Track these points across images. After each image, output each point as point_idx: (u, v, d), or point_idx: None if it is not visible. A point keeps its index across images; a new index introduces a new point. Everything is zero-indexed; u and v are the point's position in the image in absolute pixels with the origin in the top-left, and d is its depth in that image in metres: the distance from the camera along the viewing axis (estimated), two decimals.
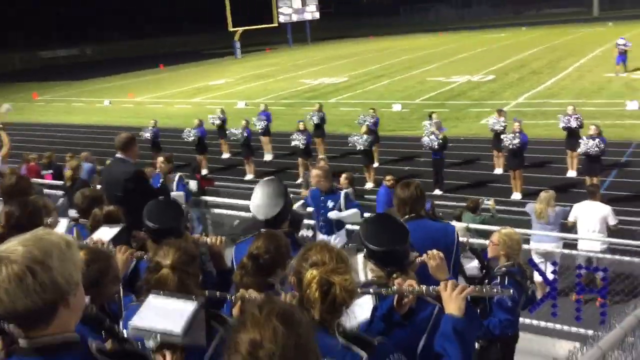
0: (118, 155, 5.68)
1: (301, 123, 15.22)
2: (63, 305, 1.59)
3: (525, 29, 55.77)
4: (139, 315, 1.97)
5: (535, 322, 6.01)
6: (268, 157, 17.52)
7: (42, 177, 11.73)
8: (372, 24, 78.38)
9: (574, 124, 13.36)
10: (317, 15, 63.53)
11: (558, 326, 6.07)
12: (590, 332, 5.99)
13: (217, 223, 9.01)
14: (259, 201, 3.54)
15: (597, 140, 11.45)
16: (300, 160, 14.98)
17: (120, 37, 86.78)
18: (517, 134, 12.43)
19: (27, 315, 1.54)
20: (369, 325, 2.34)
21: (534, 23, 61.20)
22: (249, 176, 15.82)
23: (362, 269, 2.62)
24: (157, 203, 3.39)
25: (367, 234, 2.65)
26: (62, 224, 3.78)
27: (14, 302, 1.52)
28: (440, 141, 12.92)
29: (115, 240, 3.32)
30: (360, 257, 2.63)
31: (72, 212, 7.79)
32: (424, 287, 2.33)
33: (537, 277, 6.44)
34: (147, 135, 15.93)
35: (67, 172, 9.45)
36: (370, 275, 2.62)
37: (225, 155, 18.12)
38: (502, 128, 13.75)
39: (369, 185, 14.03)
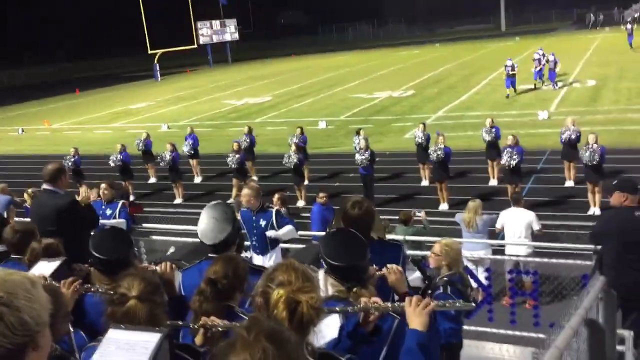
0: (46, 186, 5.41)
1: (235, 143, 15.17)
2: (32, 347, 1.52)
3: (438, 45, 58.02)
4: (100, 352, 1.89)
5: (472, 327, 6.20)
6: (197, 179, 17.28)
7: None
8: (291, 44, 79.21)
9: (490, 136, 14.02)
10: (236, 36, 63.65)
11: (495, 330, 6.29)
12: (524, 333, 6.29)
13: (150, 250, 8.77)
14: (206, 226, 3.48)
15: (516, 153, 12.01)
16: (234, 180, 14.85)
17: (31, 63, 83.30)
18: (441, 147, 12.86)
19: None
20: (337, 343, 2.36)
21: (446, 40, 63.80)
22: (178, 200, 15.51)
23: (323, 283, 2.64)
24: (104, 233, 3.28)
25: (327, 250, 2.67)
26: None
27: None
28: (369, 157, 13.18)
29: (56, 274, 3.17)
30: (320, 272, 2.64)
31: None
32: (389, 304, 2.38)
33: (472, 283, 6.66)
34: (68, 163, 15.31)
35: None
36: (330, 290, 2.64)
37: (152, 180, 17.69)
38: (425, 141, 14.20)
39: (301, 203, 14.08)
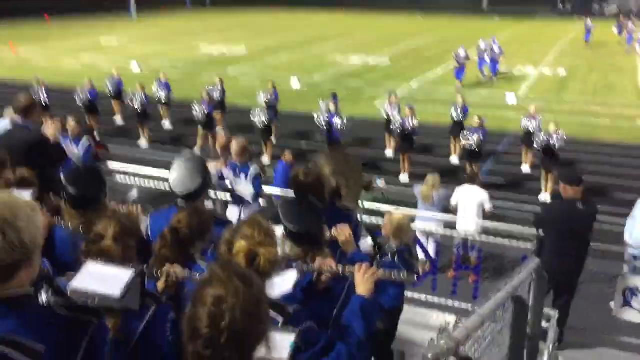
0: (17, 120, 5.48)
1: (205, 92, 15.11)
2: (26, 264, 1.73)
3: (420, 16, 57.80)
4: (77, 279, 2.09)
5: (416, 295, 6.59)
6: (167, 124, 17.21)
7: None
8: None
9: (457, 114, 14.36)
10: None
11: (436, 299, 6.69)
12: (464, 304, 6.71)
13: (112, 189, 8.85)
14: (177, 175, 3.66)
15: (477, 135, 12.38)
16: (200, 130, 14.92)
17: None
18: (410, 120, 13.16)
19: None
20: (289, 296, 2.62)
21: (428, 10, 63.50)
22: (144, 143, 15.48)
23: (281, 244, 2.88)
24: (78, 170, 3.42)
25: (285, 215, 2.92)
26: None
27: None
28: (344, 122, 13.40)
29: None
30: (279, 232, 2.89)
31: None
32: (340, 267, 2.64)
33: (420, 254, 7.03)
34: (37, 95, 15.08)
35: None
36: (287, 250, 2.89)
37: (119, 121, 17.54)
38: (395, 113, 14.44)
39: (266, 159, 14.24)
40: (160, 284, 2.62)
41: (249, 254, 2.30)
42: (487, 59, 24.18)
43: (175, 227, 2.94)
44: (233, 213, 6.87)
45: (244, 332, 1.62)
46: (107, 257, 2.36)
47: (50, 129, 5.77)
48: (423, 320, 6.37)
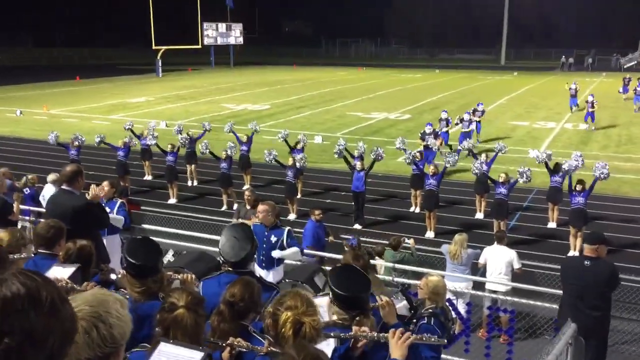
0: (64, 187, 5.81)
1: (224, 152, 15.36)
2: (114, 356, 1.87)
3: (438, 71, 58.84)
4: None
5: (449, 357, 6.59)
6: (190, 182, 17.55)
7: None
8: (294, 53, 79.87)
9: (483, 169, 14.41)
10: (241, 40, 64.29)
11: None
12: None
13: None
14: (227, 244, 3.87)
15: (503, 190, 12.52)
16: (222, 189, 15.29)
17: (33, 44, 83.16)
18: (435, 177, 13.32)
19: None
20: None
21: (447, 66, 64.69)
22: (172, 200, 15.79)
23: (327, 311, 3.05)
24: (138, 241, 3.62)
25: (335, 282, 3.10)
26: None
27: (79, 353, 1.77)
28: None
29: (72, 279, 3.49)
30: (325, 299, 3.05)
31: None
32: (375, 334, 2.81)
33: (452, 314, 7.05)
34: (73, 152, 15.65)
35: None
36: (334, 317, 3.05)
37: (148, 177, 17.97)
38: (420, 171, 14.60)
39: (292, 216, 14.42)
40: (225, 356, 2.79)
41: (295, 323, 2.48)
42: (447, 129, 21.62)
43: (231, 301, 3.09)
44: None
45: None
46: (179, 323, 2.55)
47: (93, 194, 6.04)
48: None
